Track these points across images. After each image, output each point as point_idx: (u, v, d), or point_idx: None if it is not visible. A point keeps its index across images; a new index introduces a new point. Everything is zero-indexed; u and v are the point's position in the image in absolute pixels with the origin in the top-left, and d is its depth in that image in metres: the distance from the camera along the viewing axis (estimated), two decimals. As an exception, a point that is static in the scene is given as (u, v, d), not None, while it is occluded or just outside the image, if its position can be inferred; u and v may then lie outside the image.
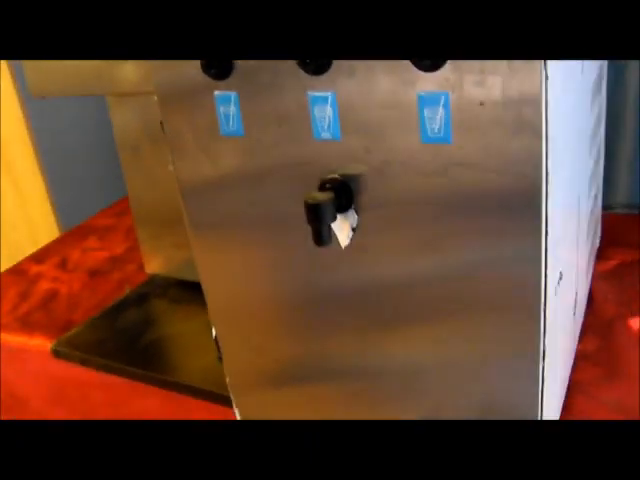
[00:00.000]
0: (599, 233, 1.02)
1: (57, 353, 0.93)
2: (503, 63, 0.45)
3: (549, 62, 0.45)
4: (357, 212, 0.56)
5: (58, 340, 0.94)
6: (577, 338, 0.82)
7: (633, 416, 0.71)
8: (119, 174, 0.99)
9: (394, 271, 0.57)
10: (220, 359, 0.72)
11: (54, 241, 1.29)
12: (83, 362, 0.91)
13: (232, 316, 0.69)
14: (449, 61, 0.47)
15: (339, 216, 0.56)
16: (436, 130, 0.49)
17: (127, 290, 1.05)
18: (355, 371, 0.65)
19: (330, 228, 0.54)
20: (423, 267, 0.55)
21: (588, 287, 0.91)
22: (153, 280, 1.04)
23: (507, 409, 0.58)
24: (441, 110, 0.48)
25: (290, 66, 0.52)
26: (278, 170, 0.57)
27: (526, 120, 0.46)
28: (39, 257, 1.23)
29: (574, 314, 0.76)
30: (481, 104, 0.47)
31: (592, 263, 0.96)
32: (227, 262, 0.66)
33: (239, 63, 0.55)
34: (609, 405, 0.73)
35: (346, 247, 0.57)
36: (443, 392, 0.61)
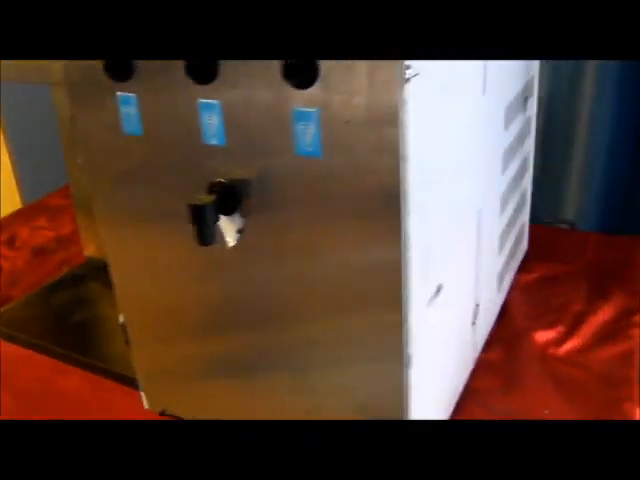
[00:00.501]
0: (524, 246, 1.06)
1: (-14, 329, 0.95)
2: (366, 85, 0.48)
3: (412, 85, 0.48)
4: (242, 215, 0.59)
5: (-11, 316, 0.97)
6: (479, 347, 0.85)
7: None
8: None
9: (275, 272, 0.60)
10: (127, 343, 0.75)
11: (6, 217, 1.32)
12: (10, 339, 0.94)
13: (138, 307, 0.72)
14: (319, 80, 0.49)
15: (225, 218, 0.59)
16: (308, 144, 0.52)
17: (65, 270, 1.07)
18: (251, 367, 0.68)
19: (212, 229, 0.57)
20: (299, 269, 0.58)
21: (503, 298, 0.94)
22: (90, 262, 1.07)
23: (378, 411, 0.61)
24: (312, 126, 0.51)
25: (184, 73, 0.55)
26: (173, 171, 0.60)
27: (387, 140, 0.49)
28: (-11, 233, 1.25)
29: (473, 324, 0.79)
30: (347, 122, 0.50)
31: (512, 275, 0.99)
32: (132, 255, 0.69)
33: (139, 66, 0.57)
34: (498, 415, 0.76)
35: (233, 248, 0.60)
36: (323, 391, 0.64)
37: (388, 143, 0.49)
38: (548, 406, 0.77)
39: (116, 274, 0.72)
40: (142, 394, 0.78)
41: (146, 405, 0.78)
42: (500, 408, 0.77)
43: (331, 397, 0.64)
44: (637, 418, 0.74)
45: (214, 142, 0.57)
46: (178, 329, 0.71)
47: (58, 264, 1.13)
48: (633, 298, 0.95)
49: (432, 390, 0.67)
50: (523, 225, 1.02)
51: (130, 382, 0.83)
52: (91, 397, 0.90)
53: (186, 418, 0.76)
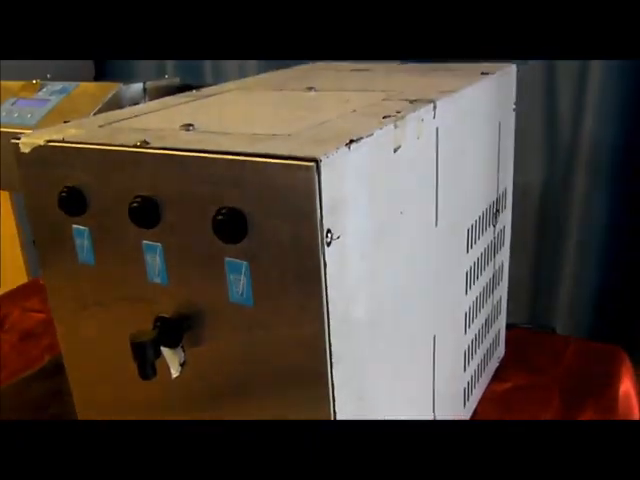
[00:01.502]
0: (500, 352, 1.05)
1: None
2: (289, 244, 0.50)
3: (333, 247, 0.49)
4: (184, 348, 0.60)
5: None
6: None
7: None
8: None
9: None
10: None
11: (1, 296, 1.35)
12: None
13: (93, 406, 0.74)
14: (248, 235, 0.51)
15: (170, 351, 0.60)
16: (240, 293, 0.54)
17: (46, 359, 1.09)
18: None
19: (153, 364, 0.59)
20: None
21: (472, 410, 0.94)
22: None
23: None
24: (243, 277, 0.53)
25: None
26: (121, 301, 0.62)
27: (311, 298, 0.51)
28: (-19, 313, 1.28)
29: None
30: (274, 277, 0.52)
31: (485, 385, 0.99)
32: (89, 368, 0.71)
33: (92, 204, 0.60)
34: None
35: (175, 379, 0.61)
36: None
37: (312, 302, 0.51)
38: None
39: (73, 381, 0.73)
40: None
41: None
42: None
43: None
44: None
45: (157, 280, 0.59)
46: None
47: (42, 351, 1.15)
48: (603, 415, 0.94)
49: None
50: (498, 333, 1.03)
51: None
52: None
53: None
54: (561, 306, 1.29)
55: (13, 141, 0.63)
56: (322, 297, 0.50)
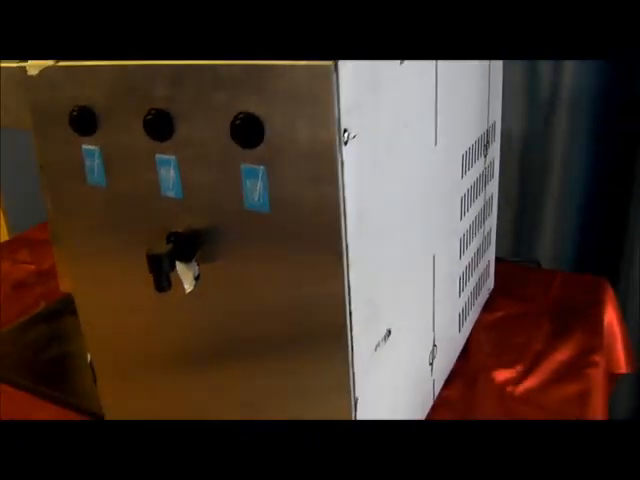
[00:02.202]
0: (490, 284, 1.09)
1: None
2: (307, 146, 0.51)
3: (350, 147, 0.51)
4: (199, 263, 0.62)
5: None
6: (439, 384, 0.87)
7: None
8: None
9: (227, 316, 0.63)
10: (94, 381, 0.78)
11: (-10, 250, 1.35)
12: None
13: (104, 346, 0.75)
14: (265, 140, 0.53)
15: (183, 265, 0.61)
16: (256, 200, 0.55)
17: (42, 305, 1.10)
18: (204, 402, 0.70)
19: (168, 277, 0.60)
20: (249, 318, 0.61)
21: (466, 336, 0.97)
22: (67, 297, 1.09)
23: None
24: (260, 183, 0.54)
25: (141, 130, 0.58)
26: (134, 220, 0.63)
27: (327, 199, 0.52)
28: (-29, 265, 1.28)
29: (430, 364, 0.81)
30: (291, 179, 0.53)
31: (476, 313, 1.02)
32: (98, 298, 0.72)
33: (103, 122, 0.61)
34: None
35: (190, 293, 0.63)
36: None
37: (328, 203, 0.52)
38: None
39: (83, 314, 0.74)
40: (109, 430, 0.80)
41: (112, 441, 0.81)
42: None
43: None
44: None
45: (171, 195, 0.60)
46: (140, 367, 0.73)
47: (36, 299, 1.16)
48: (593, 337, 0.98)
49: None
50: (488, 264, 1.06)
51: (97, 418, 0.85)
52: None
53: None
54: (544, 243, 1.33)
55: (20, 64, 0.63)
56: (339, 198, 0.52)
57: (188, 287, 0.62)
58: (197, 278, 0.62)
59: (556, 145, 1.36)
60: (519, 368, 0.92)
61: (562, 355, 0.94)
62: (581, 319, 1.02)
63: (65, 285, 1.08)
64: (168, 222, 0.61)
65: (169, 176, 0.59)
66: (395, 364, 0.69)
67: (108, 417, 0.80)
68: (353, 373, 0.59)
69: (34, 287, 1.20)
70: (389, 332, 0.65)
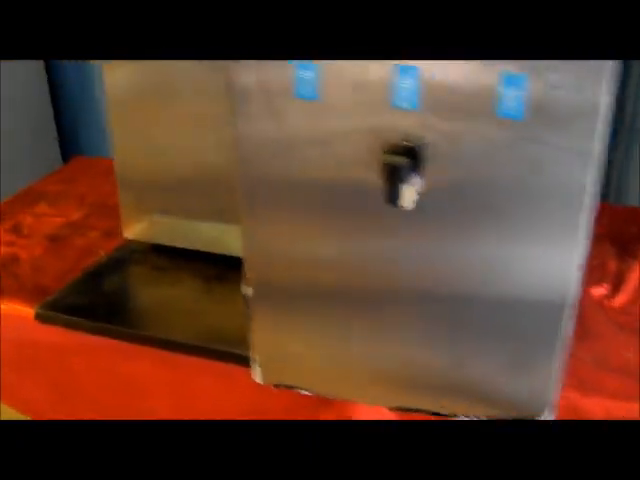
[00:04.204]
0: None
1: (41, 317, 0.90)
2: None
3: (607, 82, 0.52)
4: (422, 179, 0.61)
5: (41, 304, 0.91)
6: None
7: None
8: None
9: (442, 247, 0.63)
10: (248, 317, 0.74)
11: (3, 204, 1.24)
12: (71, 325, 0.89)
13: (267, 288, 0.72)
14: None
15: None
16: (511, 107, 0.55)
17: (102, 255, 1.03)
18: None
19: (402, 190, 0.59)
20: (470, 247, 0.62)
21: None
22: (130, 245, 1.03)
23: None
24: (518, 89, 0.54)
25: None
26: (349, 135, 0.61)
27: (588, 106, 0.53)
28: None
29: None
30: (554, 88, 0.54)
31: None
32: (275, 227, 0.69)
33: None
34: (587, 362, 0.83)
35: (409, 211, 0.61)
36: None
37: (590, 109, 0.54)
38: (626, 350, 0.84)
39: (249, 249, 0.71)
40: (257, 369, 0.77)
41: (260, 379, 0.78)
42: (586, 356, 0.84)
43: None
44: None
45: (405, 105, 0.58)
46: (308, 300, 0.72)
47: (81, 251, 1.08)
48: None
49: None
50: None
51: (221, 356, 0.82)
52: (169, 378, 0.88)
53: (303, 389, 0.76)
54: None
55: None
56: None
57: (410, 203, 0.61)
58: (418, 195, 0.61)
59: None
60: (606, 286, 0.97)
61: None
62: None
63: (131, 232, 1.02)
64: (392, 135, 0.60)
65: (406, 86, 0.58)
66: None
67: (258, 354, 0.77)
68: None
69: (72, 239, 1.11)
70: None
